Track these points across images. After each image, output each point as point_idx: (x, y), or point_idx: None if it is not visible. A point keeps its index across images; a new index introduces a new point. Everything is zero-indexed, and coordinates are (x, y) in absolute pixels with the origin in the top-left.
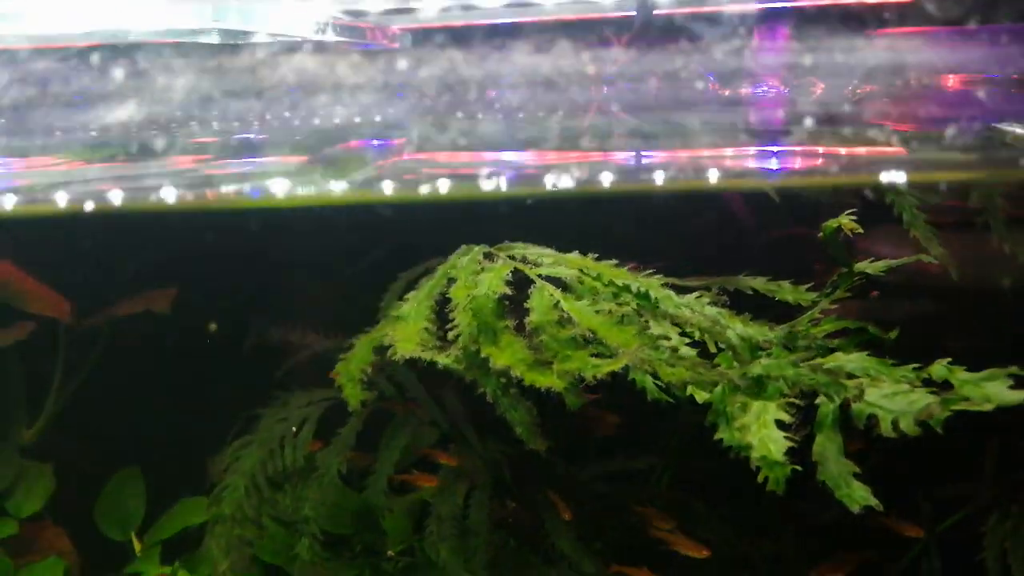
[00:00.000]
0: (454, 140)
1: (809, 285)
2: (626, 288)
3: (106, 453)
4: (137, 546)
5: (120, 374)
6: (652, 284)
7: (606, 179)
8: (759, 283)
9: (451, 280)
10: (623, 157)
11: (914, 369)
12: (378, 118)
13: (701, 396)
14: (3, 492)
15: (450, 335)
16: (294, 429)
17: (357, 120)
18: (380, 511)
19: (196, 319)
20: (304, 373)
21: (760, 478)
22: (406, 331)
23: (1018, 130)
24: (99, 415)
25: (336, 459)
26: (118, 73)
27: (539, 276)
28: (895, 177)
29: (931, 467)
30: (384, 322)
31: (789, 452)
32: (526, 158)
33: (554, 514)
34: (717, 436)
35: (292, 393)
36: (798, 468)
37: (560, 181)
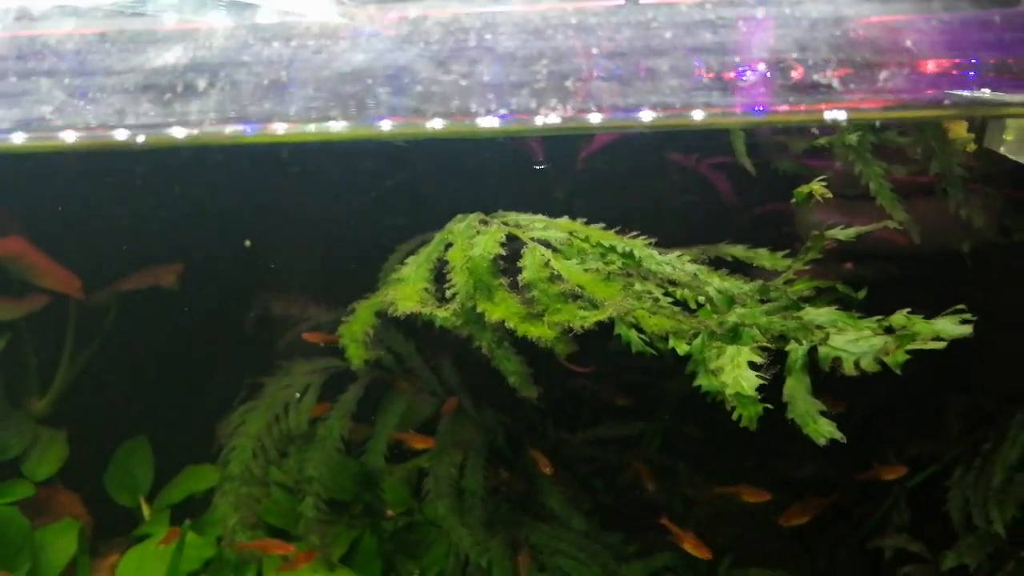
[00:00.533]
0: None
1: (785, 252)
2: (612, 248)
3: (115, 423)
4: (146, 511)
5: (129, 347)
6: (636, 244)
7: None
8: (739, 250)
9: (448, 245)
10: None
11: (877, 320)
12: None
13: (682, 347)
14: (19, 456)
15: (448, 294)
16: (297, 395)
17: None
18: (380, 474)
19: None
20: (305, 345)
21: (735, 416)
22: (406, 291)
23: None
24: (109, 387)
25: (338, 423)
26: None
27: (531, 239)
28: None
29: (902, 430)
30: (384, 287)
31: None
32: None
33: (544, 477)
34: (695, 383)
35: (295, 362)
36: (769, 407)
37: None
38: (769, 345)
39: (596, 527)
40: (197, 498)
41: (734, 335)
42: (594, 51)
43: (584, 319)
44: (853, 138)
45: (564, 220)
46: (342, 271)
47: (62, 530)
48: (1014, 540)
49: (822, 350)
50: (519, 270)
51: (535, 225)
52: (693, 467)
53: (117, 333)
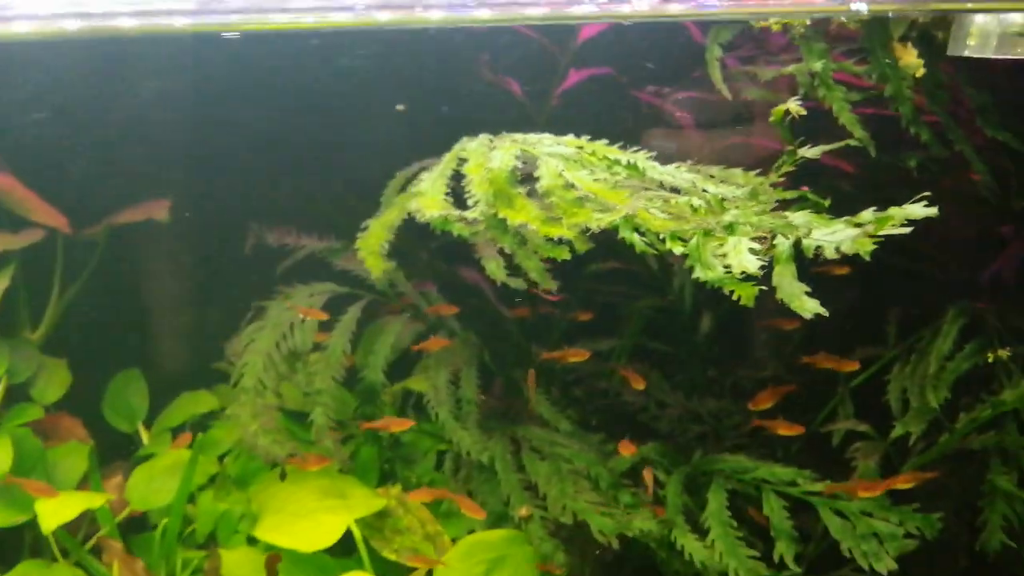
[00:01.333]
0: None
1: (758, 171)
2: (616, 161)
3: (107, 354)
4: (144, 436)
5: (120, 279)
6: (639, 157)
7: None
8: (715, 170)
9: (461, 161)
10: None
11: (845, 220)
12: None
13: (677, 247)
14: (27, 381)
15: (469, 202)
16: (301, 316)
17: None
18: (379, 388)
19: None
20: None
21: (735, 296)
22: (429, 200)
23: None
24: (100, 318)
25: (341, 339)
26: None
27: (543, 153)
28: None
29: (848, 338)
30: (393, 205)
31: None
32: None
33: (530, 387)
34: (694, 276)
35: (294, 287)
36: (763, 288)
37: None
38: (764, 235)
39: (579, 430)
40: (193, 423)
41: (730, 231)
42: None
43: (599, 220)
44: (818, 65)
45: (570, 137)
46: (332, 201)
47: (71, 451)
48: (946, 415)
49: (806, 242)
50: (529, 184)
51: (544, 142)
52: (662, 376)
53: (107, 266)
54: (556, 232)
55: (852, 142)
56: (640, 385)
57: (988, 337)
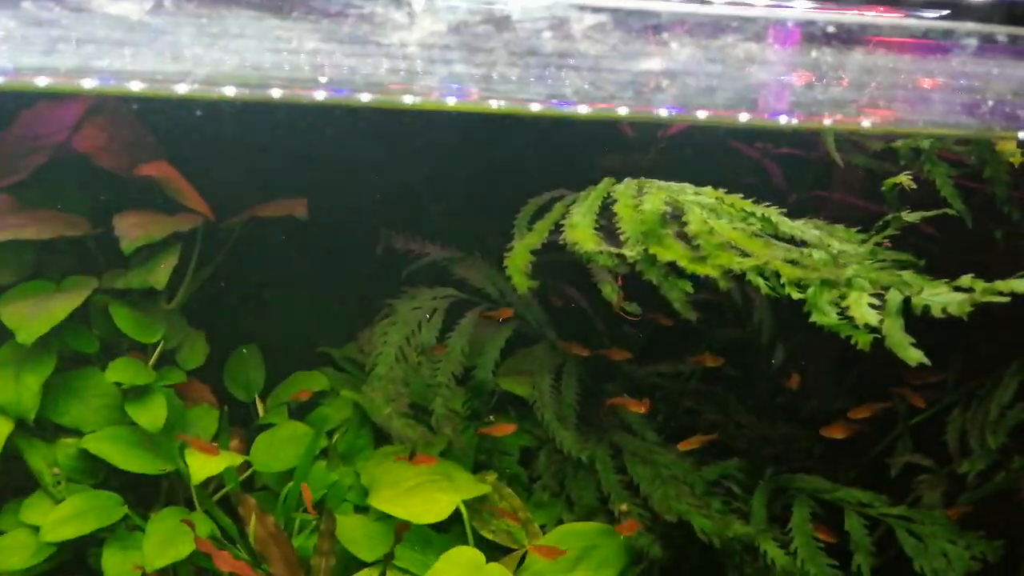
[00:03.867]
0: None
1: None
2: (751, 213)
3: (232, 332)
4: (260, 408)
5: (254, 265)
6: (771, 211)
7: None
8: (821, 225)
9: (605, 201)
10: None
11: (945, 282)
12: None
13: (795, 293)
14: (175, 348)
15: (622, 240)
16: (427, 316)
17: None
18: (487, 384)
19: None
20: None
21: (853, 341)
22: (582, 233)
23: None
24: (229, 299)
25: (460, 340)
26: None
27: (688, 201)
28: None
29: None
30: (532, 231)
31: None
32: None
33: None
34: (812, 319)
35: (419, 289)
36: (879, 335)
37: None
38: (880, 292)
39: (663, 441)
40: (302, 402)
41: (849, 284)
42: None
43: (741, 263)
44: (926, 144)
45: (709, 189)
46: (456, 217)
47: (204, 413)
48: (1005, 456)
49: (915, 300)
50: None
51: (687, 190)
52: (738, 399)
53: (242, 254)
54: (703, 271)
55: (951, 212)
56: (641, 409)
57: None
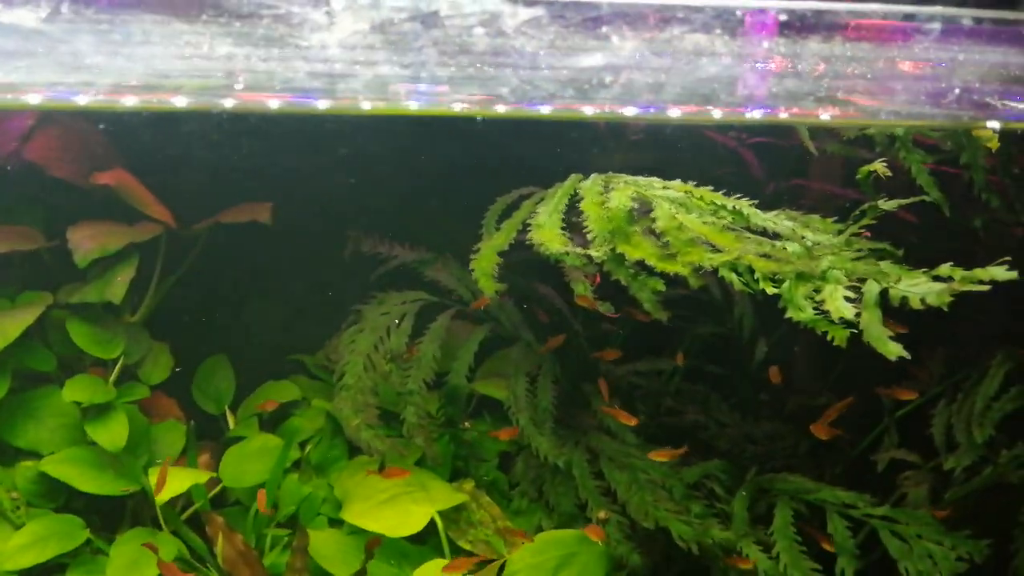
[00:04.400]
0: None
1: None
2: (722, 206)
3: (197, 341)
4: (231, 420)
5: (218, 274)
6: (742, 203)
7: None
8: (796, 215)
9: (572, 198)
10: None
11: (924, 271)
12: None
13: (770, 288)
14: (137, 362)
15: (589, 238)
16: (397, 321)
17: None
18: (461, 391)
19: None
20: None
21: (829, 337)
22: (548, 234)
23: None
24: (196, 309)
25: (431, 346)
26: None
27: (656, 196)
28: None
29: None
30: (499, 232)
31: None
32: None
33: (600, 399)
34: (787, 315)
35: (388, 293)
36: (855, 330)
37: None
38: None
39: (643, 443)
40: (274, 412)
41: (824, 277)
42: None
43: (711, 259)
44: (900, 130)
45: (678, 182)
46: (422, 218)
47: (170, 428)
48: (991, 450)
49: (893, 291)
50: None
51: (655, 185)
52: (720, 398)
53: (208, 261)
54: (672, 268)
55: (927, 199)
56: (632, 422)
57: None
